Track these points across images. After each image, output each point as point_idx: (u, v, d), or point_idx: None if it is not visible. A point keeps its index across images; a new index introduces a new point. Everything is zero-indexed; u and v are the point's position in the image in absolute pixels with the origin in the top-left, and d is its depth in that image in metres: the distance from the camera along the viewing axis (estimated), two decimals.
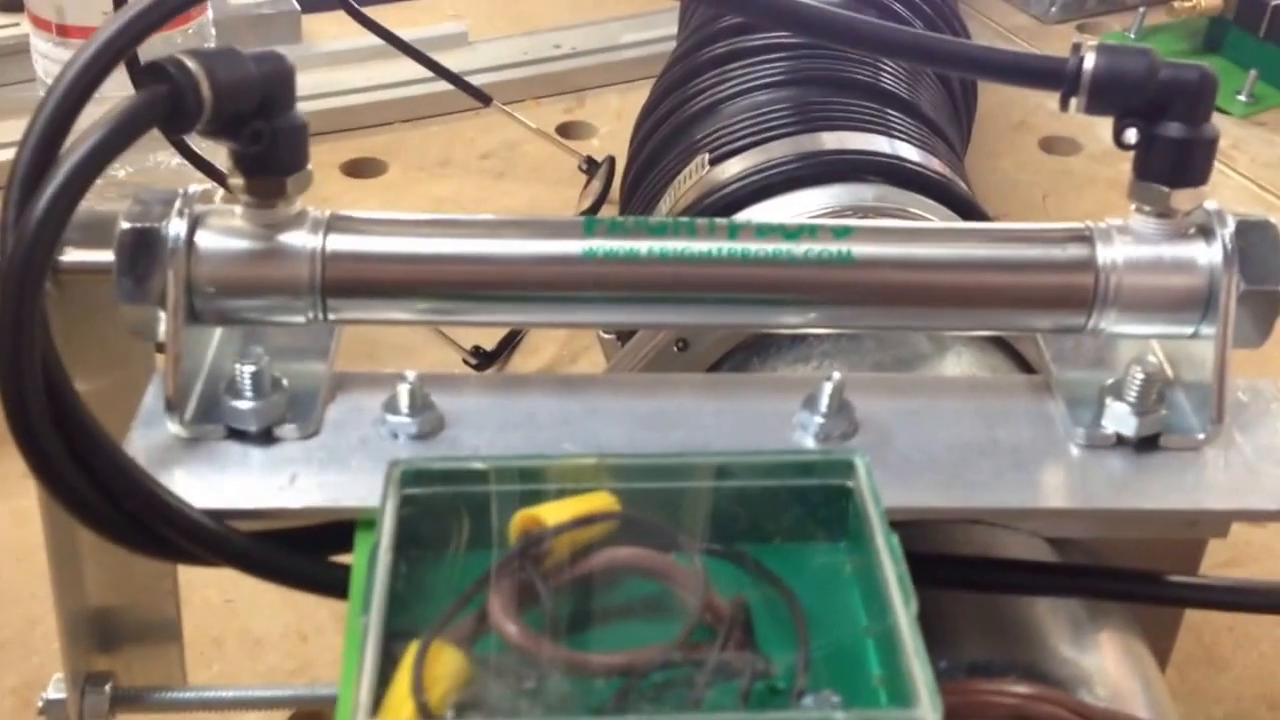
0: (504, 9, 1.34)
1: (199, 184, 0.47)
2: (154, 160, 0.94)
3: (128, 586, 0.53)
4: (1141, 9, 1.33)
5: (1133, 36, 1.32)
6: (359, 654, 0.33)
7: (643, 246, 0.46)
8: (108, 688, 0.52)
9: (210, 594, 0.74)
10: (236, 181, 0.45)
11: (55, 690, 0.52)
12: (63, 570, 0.51)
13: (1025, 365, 0.57)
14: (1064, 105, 0.46)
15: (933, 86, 0.89)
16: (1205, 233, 0.46)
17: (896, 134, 0.75)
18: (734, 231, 0.47)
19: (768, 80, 0.80)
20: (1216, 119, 0.46)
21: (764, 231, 0.47)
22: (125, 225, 0.44)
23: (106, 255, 0.44)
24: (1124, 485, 0.45)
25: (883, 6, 0.89)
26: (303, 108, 0.46)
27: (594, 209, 1.03)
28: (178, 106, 0.42)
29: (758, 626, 0.37)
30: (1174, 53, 1.20)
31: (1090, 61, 0.45)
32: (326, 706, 0.36)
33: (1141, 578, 0.47)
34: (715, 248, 0.46)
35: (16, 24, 1.04)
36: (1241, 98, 1.24)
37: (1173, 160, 0.46)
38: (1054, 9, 1.37)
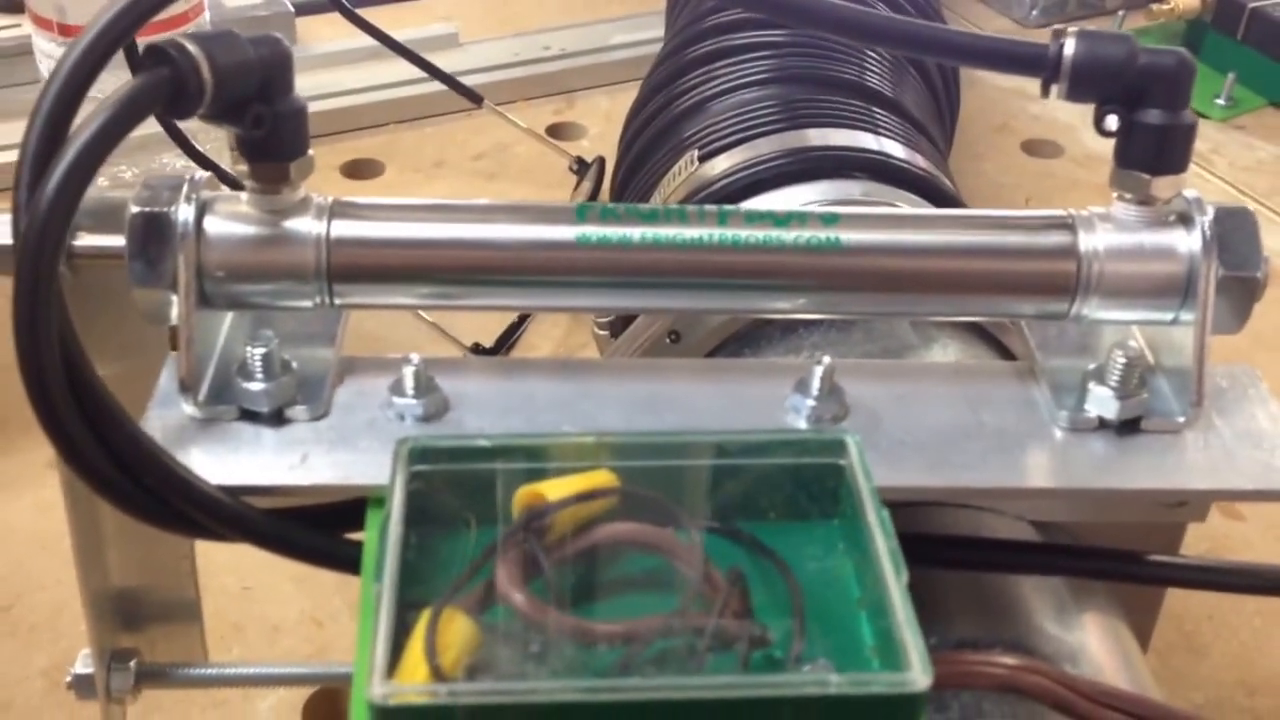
0: (494, 10, 1.34)
1: (204, 171, 0.47)
2: (160, 162, 0.94)
3: (149, 567, 0.54)
4: (1121, 12, 1.34)
5: None
6: (374, 620, 0.34)
7: (635, 233, 0.47)
8: (133, 664, 0.53)
9: (228, 581, 0.75)
10: (241, 168, 0.46)
11: (82, 665, 0.53)
12: (86, 551, 0.51)
13: (1009, 358, 0.58)
14: (1045, 91, 0.47)
15: (916, 85, 0.90)
16: (1185, 220, 0.47)
17: (882, 131, 0.75)
18: (724, 218, 0.48)
19: (754, 78, 0.80)
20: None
21: (753, 218, 0.48)
22: (135, 209, 0.45)
23: (119, 240, 0.45)
24: (1106, 466, 0.46)
25: (867, 5, 0.90)
26: None
27: None
28: (180, 89, 0.42)
29: (755, 600, 0.38)
30: None
31: (1071, 47, 0.46)
32: (343, 684, 0.37)
33: (1122, 556, 0.49)
34: (705, 234, 0.47)
35: (18, 24, 1.03)
36: (1220, 101, 1.23)
37: (1153, 147, 0.47)
38: (1035, 12, 1.38)
